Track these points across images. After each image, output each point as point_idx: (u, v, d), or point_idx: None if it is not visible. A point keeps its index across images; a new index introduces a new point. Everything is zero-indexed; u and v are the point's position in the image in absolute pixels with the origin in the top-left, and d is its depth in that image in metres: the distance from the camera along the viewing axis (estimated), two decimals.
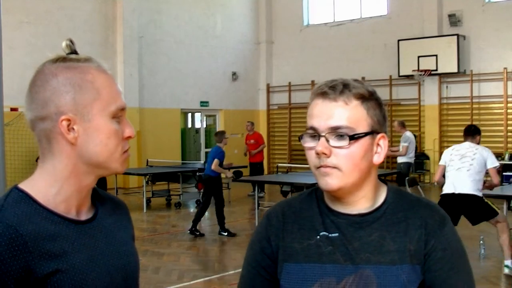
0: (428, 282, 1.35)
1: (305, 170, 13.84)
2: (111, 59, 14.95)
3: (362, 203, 1.40)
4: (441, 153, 15.83)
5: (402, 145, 11.18)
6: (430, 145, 16.03)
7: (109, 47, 15.25)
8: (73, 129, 1.28)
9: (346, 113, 1.34)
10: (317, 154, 1.33)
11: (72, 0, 14.73)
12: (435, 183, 6.98)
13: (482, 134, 16.20)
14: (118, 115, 1.32)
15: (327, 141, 1.33)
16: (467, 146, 6.69)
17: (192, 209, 12.18)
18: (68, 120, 1.27)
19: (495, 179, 6.70)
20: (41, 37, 14.04)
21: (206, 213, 12.00)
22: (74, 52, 1.37)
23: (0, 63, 3.84)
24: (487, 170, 6.65)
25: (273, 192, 12.86)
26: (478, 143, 6.83)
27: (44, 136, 1.30)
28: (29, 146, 13.56)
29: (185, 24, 17.34)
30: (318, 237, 1.40)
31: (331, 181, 1.34)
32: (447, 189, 6.62)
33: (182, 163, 15.34)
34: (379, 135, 1.38)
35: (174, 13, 17.08)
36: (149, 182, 12.26)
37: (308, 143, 1.37)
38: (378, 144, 1.38)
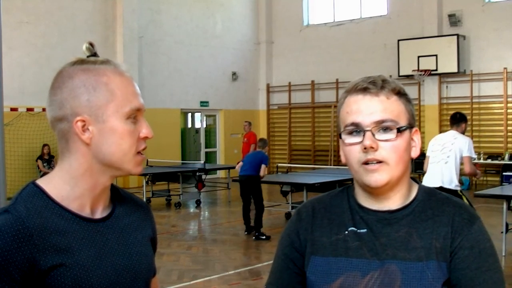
0: (454, 280, 1.35)
1: (305, 170, 13.85)
2: (111, 59, 14.81)
3: (395, 199, 1.41)
4: None
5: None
6: None
7: (109, 47, 15.24)
8: (88, 129, 1.32)
9: (389, 107, 1.36)
10: (365, 148, 1.34)
11: (72, 0, 14.74)
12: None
13: (482, 134, 16.28)
14: (133, 116, 1.35)
15: (373, 135, 1.35)
16: (449, 136, 6.62)
17: (192, 209, 12.19)
18: (83, 121, 1.31)
19: (466, 167, 6.51)
20: (41, 37, 14.04)
21: (206, 213, 12.03)
22: (94, 54, 1.41)
23: (0, 63, 3.84)
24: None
25: (273, 192, 12.86)
26: (464, 131, 6.69)
27: (62, 136, 1.34)
28: (29, 146, 13.57)
29: (185, 24, 17.34)
30: (347, 232, 1.42)
31: (380, 177, 1.35)
32: (426, 182, 6.42)
33: (182, 163, 15.35)
34: (413, 129, 1.42)
35: (174, 13, 17.08)
36: (149, 182, 12.26)
37: (349, 139, 1.38)
38: (412, 139, 1.42)
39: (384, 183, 1.35)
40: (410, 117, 1.40)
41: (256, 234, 8.81)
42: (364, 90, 1.37)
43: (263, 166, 9.03)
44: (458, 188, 6.47)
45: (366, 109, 1.36)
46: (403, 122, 1.37)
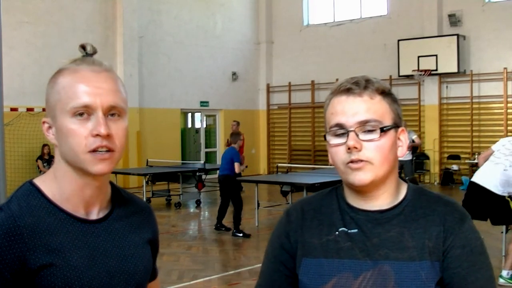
0: (447, 280, 1.35)
1: (305, 170, 13.85)
2: (111, 59, 14.94)
3: (383, 198, 1.41)
4: (441, 153, 15.96)
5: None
6: (430, 145, 16.02)
7: (109, 47, 15.24)
8: (51, 130, 1.33)
9: (373, 107, 1.36)
10: (349, 149, 1.34)
11: (72, 0, 14.74)
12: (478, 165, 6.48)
13: (482, 134, 16.20)
14: (79, 113, 1.28)
15: (357, 135, 1.34)
16: None
17: (192, 209, 12.19)
18: (47, 122, 1.33)
19: None
20: (41, 37, 14.03)
21: (206, 213, 12.03)
22: (87, 55, 1.38)
23: (0, 63, 3.85)
24: None
25: (273, 192, 12.85)
26: None
27: None
28: (29, 146, 13.57)
29: (185, 24, 17.34)
30: (337, 233, 1.41)
31: (364, 176, 1.35)
32: (476, 177, 6.17)
33: (182, 163, 15.34)
34: (399, 129, 1.41)
35: (174, 13, 17.08)
36: (149, 182, 12.26)
37: (334, 140, 1.38)
38: (398, 138, 1.41)
39: (368, 182, 1.35)
40: (396, 117, 1.39)
41: (234, 231, 8.94)
42: (348, 90, 1.37)
43: (236, 164, 9.05)
44: (505, 195, 6.09)
45: (349, 109, 1.36)
46: (387, 122, 1.37)
